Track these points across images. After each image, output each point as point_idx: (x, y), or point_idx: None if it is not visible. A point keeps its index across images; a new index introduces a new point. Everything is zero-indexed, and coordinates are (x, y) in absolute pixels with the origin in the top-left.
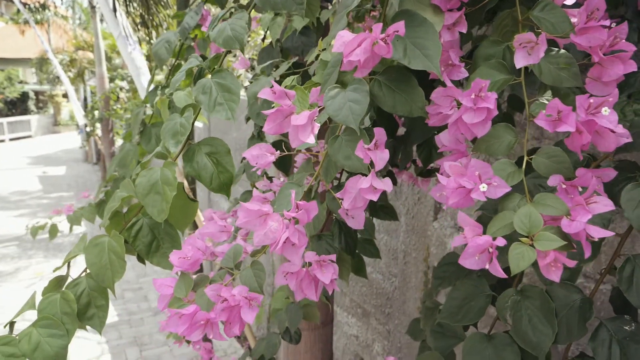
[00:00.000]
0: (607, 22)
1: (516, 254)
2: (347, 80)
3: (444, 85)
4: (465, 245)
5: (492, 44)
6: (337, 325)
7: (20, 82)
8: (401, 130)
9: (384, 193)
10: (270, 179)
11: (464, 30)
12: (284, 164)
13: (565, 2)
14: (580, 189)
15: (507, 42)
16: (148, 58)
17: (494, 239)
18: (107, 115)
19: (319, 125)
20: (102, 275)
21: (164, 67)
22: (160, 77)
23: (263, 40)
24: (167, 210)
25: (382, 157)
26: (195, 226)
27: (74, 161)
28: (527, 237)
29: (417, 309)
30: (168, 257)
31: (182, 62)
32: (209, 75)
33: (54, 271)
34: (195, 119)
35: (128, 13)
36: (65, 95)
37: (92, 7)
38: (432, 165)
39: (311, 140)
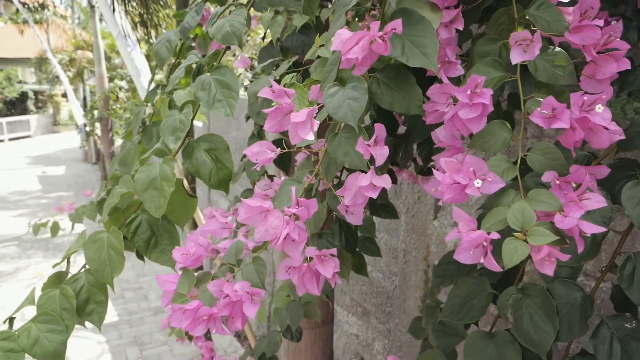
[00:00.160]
0: (600, 22)
1: (510, 248)
2: (346, 78)
3: (441, 82)
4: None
5: (489, 41)
6: (338, 324)
7: (20, 82)
8: (402, 129)
9: (384, 191)
10: (271, 177)
11: (461, 28)
12: (284, 163)
13: (560, 0)
14: (574, 185)
15: (504, 39)
16: (147, 57)
17: (488, 233)
18: (106, 114)
19: (319, 122)
20: (101, 271)
21: (165, 66)
22: (160, 76)
23: (263, 39)
24: (165, 206)
25: (382, 153)
26: (195, 225)
27: (73, 161)
28: (520, 232)
29: (417, 308)
30: (166, 253)
31: (183, 61)
32: (208, 72)
33: (54, 267)
34: (194, 116)
35: (127, 12)
36: (64, 95)
37: (92, 7)
38: (432, 163)
39: (310, 137)
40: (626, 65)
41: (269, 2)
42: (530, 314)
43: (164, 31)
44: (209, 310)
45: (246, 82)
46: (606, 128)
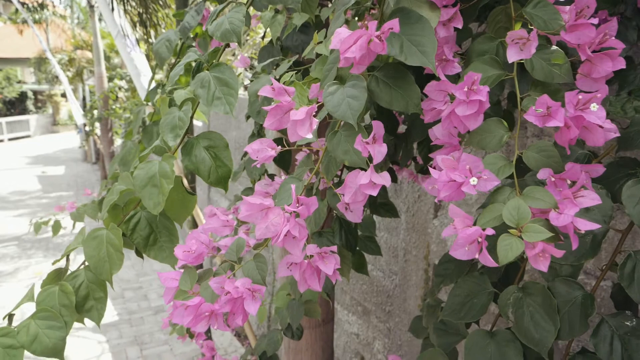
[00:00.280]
0: (595, 20)
1: (504, 244)
2: (345, 76)
3: (439, 80)
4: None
5: (486, 40)
6: (338, 323)
7: (19, 81)
8: (402, 128)
9: (384, 190)
10: (271, 177)
11: (459, 26)
12: (284, 162)
13: None
14: (569, 183)
15: (501, 38)
16: (147, 57)
17: (484, 229)
18: (106, 114)
19: (318, 121)
20: (100, 267)
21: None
22: (160, 76)
23: (263, 38)
24: (163, 202)
25: (380, 151)
26: (195, 225)
27: (73, 161)
28: (515, 228)
29: (417, 307)
30: (165, 250)
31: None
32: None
33: (53, 264)
34: (194, 113)
35: (126, 12)
36: (64, 95)
37: (91, 7)
38: (432, 162)
39: (309, 135)
40: (621, 64)
41: (268, 0)
42: (531, 312)
43: (163, 31)
44: (211, 306)
45: (246, 82)
46: (601, 126)
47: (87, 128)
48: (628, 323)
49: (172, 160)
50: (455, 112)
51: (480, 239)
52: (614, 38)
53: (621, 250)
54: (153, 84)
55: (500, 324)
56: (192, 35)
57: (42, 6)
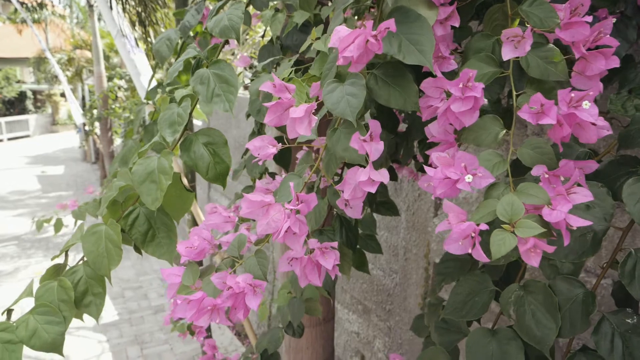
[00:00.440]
0: (589, 18)
1: (497, 239)
2: (345, 74)
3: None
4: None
5: (483, 37)
6: (338, 322)
7: (18, 81)
8: (403, 127)
9: (384, 189)
10: (272, 175)
11: (457, 24)
12: (284, 160)
13: None
14: (562, 179)
15: (497, 36)
16: (146, 56)
17: (477, 225)
18: (105, 114)
19: (318, 118)
20: (99, 263)
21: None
22: (160, 75)
23: (262, 37)
24: (161, 198)
25: (376, 148)
26: (195, 223)
27: (72, 160)
28: (509, 224)
29: (418, 305)
30: (163, 246)
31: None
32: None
33: (52, 260)
34: (192, 109)
35: (125, 10)
36: (63, 95)
37: (90, 6)
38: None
39: (307, 132)
40: (615, 62)
41: None
42: (533, 310)
43: (162, 30)
44: (213, 301)
45: (246, 81)
46: (594, 124)
47: (86, 128)
48: (629, 320)
49: (170, 157)
50: (450, 109)
51: (474, 234)
52: (608, 36)
53: (622, 248)
54: (153, 83)
55: (501, 322)
56: (192, 34)
57: (41, 6)
